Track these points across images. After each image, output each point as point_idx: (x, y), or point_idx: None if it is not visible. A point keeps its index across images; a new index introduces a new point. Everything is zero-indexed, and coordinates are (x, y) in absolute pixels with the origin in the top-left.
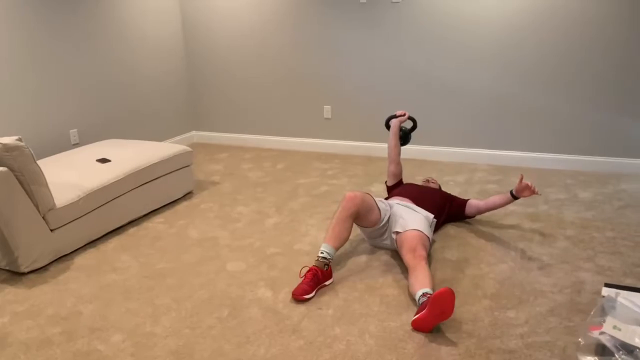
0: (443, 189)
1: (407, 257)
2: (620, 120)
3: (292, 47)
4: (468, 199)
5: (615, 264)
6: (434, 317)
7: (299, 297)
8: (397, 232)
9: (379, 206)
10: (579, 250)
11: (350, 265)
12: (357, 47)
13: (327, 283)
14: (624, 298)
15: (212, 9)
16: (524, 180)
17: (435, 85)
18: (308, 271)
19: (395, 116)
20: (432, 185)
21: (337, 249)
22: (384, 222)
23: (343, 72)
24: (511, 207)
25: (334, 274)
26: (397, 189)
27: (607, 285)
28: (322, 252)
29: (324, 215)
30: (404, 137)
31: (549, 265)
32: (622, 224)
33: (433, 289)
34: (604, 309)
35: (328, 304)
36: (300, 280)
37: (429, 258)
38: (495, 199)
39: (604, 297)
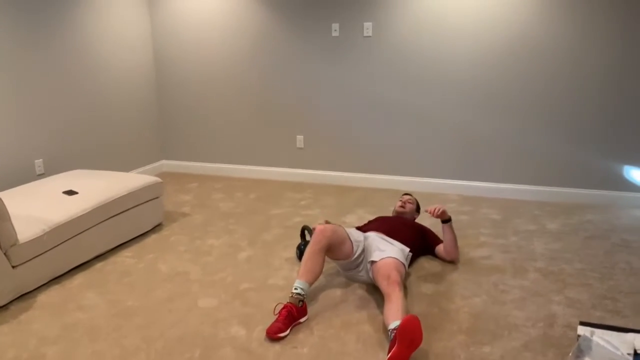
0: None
1: (383, 285)
2: (584, 153)
3: (265, 77)
4: (439, 243)
5: (584, 297)
6: (407, 349)
7: (273, 335)
8: (373, 262)
9: (352, 238)
10: (549, 283)
11: (325, 300)
12: (329, 79)
13: (302, 320)
14: (600, 337)
15: (184, 38)
16: (427, 209)
17: (406, 116)
18: (283, 308)
19: (310, 231)
20: (408, 206)
21: (311, 284)
22: (357, 253)
23: (316, 102)
24: (483, 238)
25: (308, 310)
26: (368, 225)
27: (582, 323)
28: (295, 288)
29: None
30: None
31: (522, 299)
32: (589, 255)
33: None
34: (582, 350)
35: (303, 342)
36: (274, 317)
37: (405, 290)
38: (445, 239)
39: (579, 336)
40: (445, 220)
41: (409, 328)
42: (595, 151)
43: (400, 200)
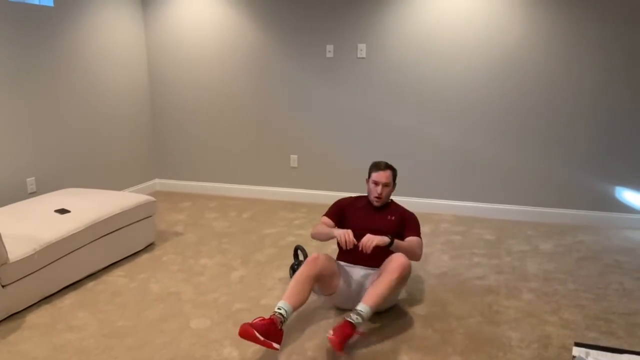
0: None
1: (387, 264)
2: (576, 174)
3: (260, 97)
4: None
5: (578, 317)
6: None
7: (245, 335)
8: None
9: (342, 276)
10: (543, 304)
11: (303, 336)
12: (324, 99)
13: (274, 345)
14: (594, 359)
15: (178, 57)
16: (360, 245)
17: (399, 136)
18: (267, 318)
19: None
20: (385, 192)
21: (295, 308)
22: (350, 287)
23: (310, 122)
24: (476, 259)
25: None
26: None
27: (577, 344)
28: (279, 308)
29: None
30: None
31: (516, 319)
32: (582, 276)
33: (373, 307)
34: None
35: None
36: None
37: (397, 310)
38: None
39: (574, 357)
40: (388, 245)
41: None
42: (587, 173)
43: (375, 186)
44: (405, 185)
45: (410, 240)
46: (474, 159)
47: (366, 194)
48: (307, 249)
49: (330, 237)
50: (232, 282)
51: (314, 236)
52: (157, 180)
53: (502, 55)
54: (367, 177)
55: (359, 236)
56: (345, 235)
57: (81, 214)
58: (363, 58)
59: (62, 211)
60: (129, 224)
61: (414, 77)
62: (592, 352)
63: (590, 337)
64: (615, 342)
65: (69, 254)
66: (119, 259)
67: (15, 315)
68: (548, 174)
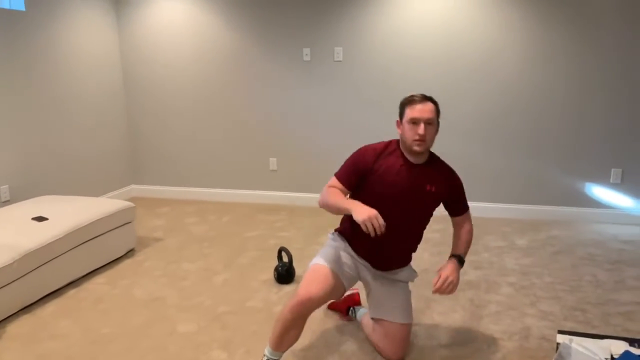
0: None
1: (384, 350)
2: (548, 172)
3: (237, 100)
4: (459, 215)
5: (556, 309)
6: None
7: None
8: (377, 319)
9: (342, 276)
10: (522, 297)
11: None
12: (302, 102)
13: None
14: (578, 344)
15: (154, 60)
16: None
17: (377, 138)
18: None
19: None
20: (429, 133)
21: (284, 351)
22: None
23: (288, 125)
24: None
25: None
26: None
27: (561, 332)
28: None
29: None
30: (287, 274)
31: (497, 313)
32: (557, 269)
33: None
34: (562, 356)
35: None
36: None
37: None
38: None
39: (559, 344)
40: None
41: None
42: (558, 170)
43: (413, 126)
44: None
45: (466, 234)
46: (448, 159)
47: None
48: (292, 251)
49: (345, 212)
50: (216, 285)
51: (323, 206)
52: (133, 186)
53: (477, 59)
54: (398, 118)
55: (386, 207)
56: (373, 219)
57: (60, 221)
58: (340, 61)
59: (40, 219)
60: (109, 230)
61: (391, 80)
62: (576, 338)
63: (568, 327)
64: (592, 331)
65: (48, 262)
66: (100, 265)
67: None
68: (521, 172)
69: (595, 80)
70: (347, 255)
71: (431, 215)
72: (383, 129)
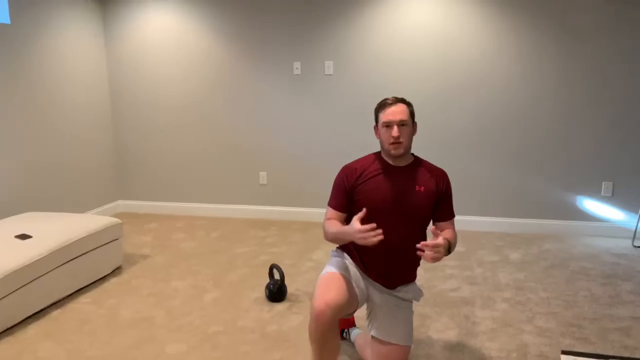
0: None
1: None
2: (540, 185)
3: (226, 114)
4: (443, 221)
5: (552, 325)
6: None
7: None
8: (377, 339)
9: (354, 285)
10: (517, 313)
11: None
12: (292, 115)
13: None
14: None
15: (141, 74)
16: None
17: (367, 152)
18: None
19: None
20: (404, 134)
21: None
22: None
23: (278, 139)
24: (449, 270)
25: None
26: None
27: (565, 352)
28: None
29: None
30: (279, 292)
31: (493, 330)
32: (552, 284)
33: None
34: None
35: None
36: None
37: None
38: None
39: None
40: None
41: None
42: (549, 183)
43: (388, 130)
44: None
45: (450, 234)
46: None
47: (377, 151)
48: (283, 267)
49: (347, 237)
50: (206, 304)
51: (329, 240)
52: (120, 202)
53: (467, 72)
54: (374, 124)
55: (382, 217)
56: (363, 232)
57: (44, 239)
58: (330, 75)
59: (23, 237)
60: (95, 248)
61: (381, 93)
62: (579, 359)
63: (566, 343)
64: (590, 348)
65: (31, 281)
66: (85, 284)
67: None
68: (513, 185)
69: (586, 94)
70: (354, 270)
71: (430, 215)
72: (374, 142)
